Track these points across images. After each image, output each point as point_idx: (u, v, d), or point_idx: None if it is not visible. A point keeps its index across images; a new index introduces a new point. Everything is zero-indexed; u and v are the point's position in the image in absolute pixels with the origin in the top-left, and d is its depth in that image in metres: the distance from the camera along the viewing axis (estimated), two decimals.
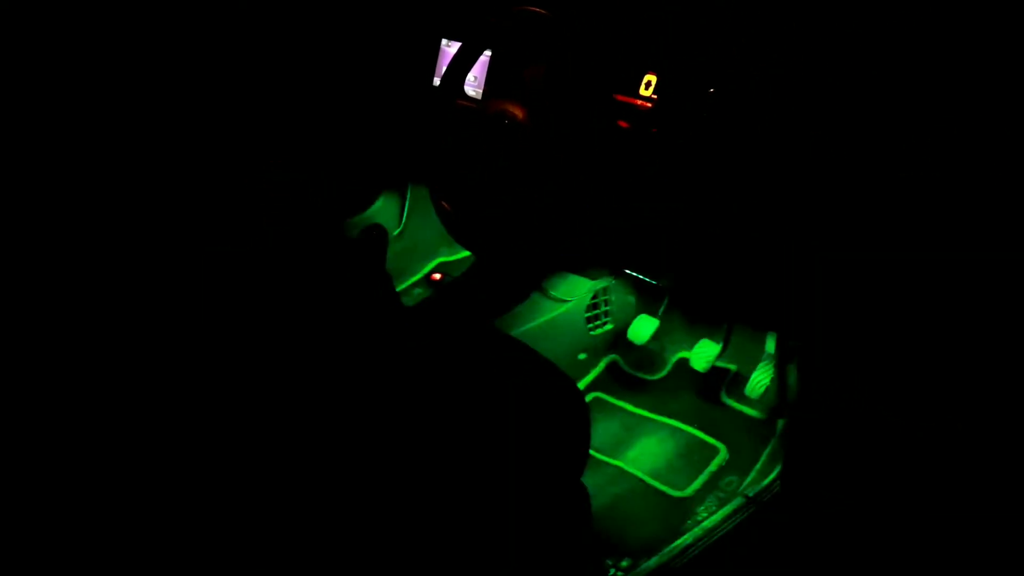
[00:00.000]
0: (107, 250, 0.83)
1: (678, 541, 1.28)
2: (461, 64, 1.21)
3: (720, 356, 1.63)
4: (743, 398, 1.56)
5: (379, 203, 1.86)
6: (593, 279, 1.72)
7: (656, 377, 1.70)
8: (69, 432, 0.74)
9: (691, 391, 1.64)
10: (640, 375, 1.72)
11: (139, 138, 0.91)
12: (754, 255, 1.10)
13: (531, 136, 1.13)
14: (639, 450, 1.53)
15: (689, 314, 1.72)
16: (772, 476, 1.36)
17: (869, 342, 1.01)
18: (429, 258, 1.93)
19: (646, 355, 1.73)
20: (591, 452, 1.47)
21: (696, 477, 1.45)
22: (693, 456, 1.50)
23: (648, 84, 1.15)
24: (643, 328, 1.67)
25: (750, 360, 1.58)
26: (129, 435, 0.75)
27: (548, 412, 0.98)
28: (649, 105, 1.14)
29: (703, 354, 1.62)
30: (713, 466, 1.46)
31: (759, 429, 1.51)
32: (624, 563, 1.25)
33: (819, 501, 1.11)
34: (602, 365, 1.75)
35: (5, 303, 0.77)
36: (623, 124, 1.12)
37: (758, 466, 1.42)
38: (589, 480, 1.03)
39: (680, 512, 1.37)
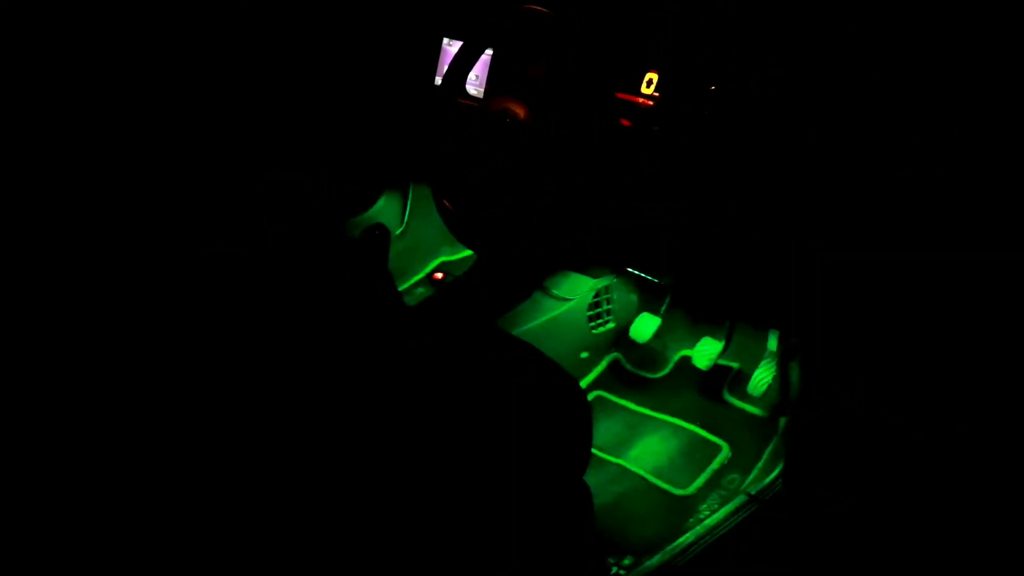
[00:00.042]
0: (107, 250, 0.83)
1: (680, 539, 1.28)
2: (463, 63, 1.21)
3: (722, 354, 1.63)
4: (745, 396, 1.56)
5: (381, 202, 1.86)
6: (595, 277, 1.72)
7: (658, 375, 1.70)
8: (69, 431, 0.75)
9: (693, 389, 1.64)
10: (642, 373, 1.72)
11: (139, 138, 0.91)
12: (756, 253, 1.10)
13: (533, 135, 1.13)
14: (641, 448, 1.53)
15: (691, 312, 1.72)
16: (774, 474, 1.36)
17: (871, 340, 1.01)
18: (431, 257, 1.93)
19: (648, 353, 1.73)
20: (593, 450, 1.47)
21: (698, 475, 1.45)
22: (695, 454, 1.50)
23: (649, 82, 1.15)
24: (645, 326, 1.67)
25: (752, 358, 1.58)
26: (130, 435, 0.76)
27: (550, 411, 0.98)
28: (651, 103, 1.14)
29: (705, 352, 1.62)
30: (715, 464, 1.46)
31: (761, 427, 1.51)
32: (626, 561, 1.25)
33: (821, 499, 1.11)
34: (604, 363, 1.75)
35: (5, 303, 0.77)
36: (625, 122, 1.12)
37: (760, 464, 1.42)
38: (591, 478, 1.03)
39: (682, 510, 1.37)
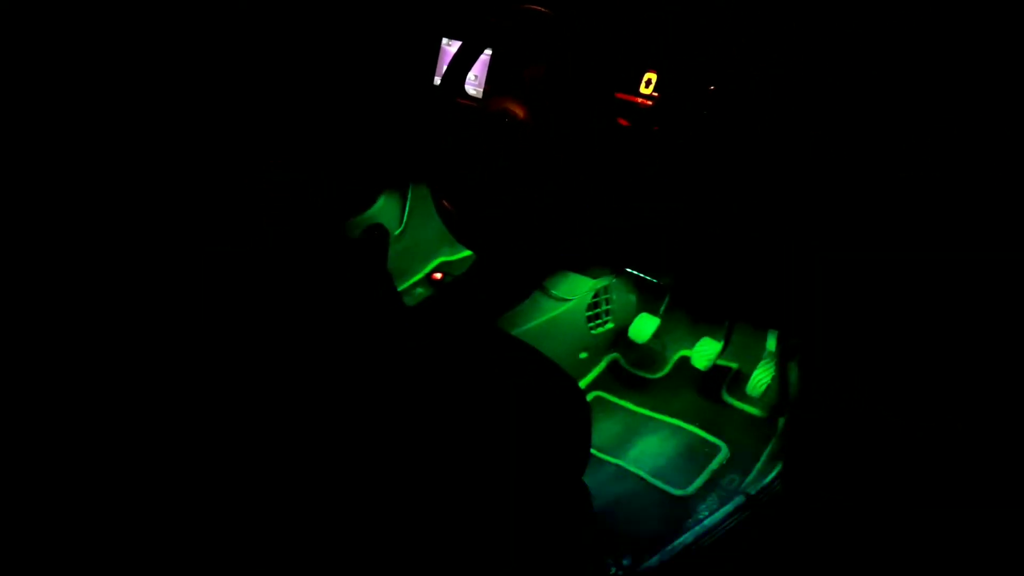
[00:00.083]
0: (108, 250, 0.83)
1: (679, 540, 1.28)
2: (462, 63, 1.21)
3: (721, 354, 1.63)
4: (744, 396, 1.56)
5: (380, 203, 1.86)
6: (594, 278, 1.72)
7: (657, 376, 1.70)
8: (69, 431, 0.75)
9: (692, 390, 1.64)
10: (641, 374, 1.72)
11: (139, 138, 0.91)
12: (755, 253, 1.10)
13: (532, 135, 1.13)
14: (640, 449, 1.53)
15: (690, 312, 1.72)
16: (773, 474, 1.36)
17: (870, 340, 1.01)
18: (430, 257, 1.93)
19: (647, 354, 1.73)
20: (592, 451, 1.47)
21: (697, 476, 1.45)
22: (694, 454, 1.50)
23: (649, 82, 1.15)
24: (644, 327, 1.67)
25: (751, 358, 1.58)
26: (130, 435, 0.75)
27: (549, 411, 0.98)
28: (650, 103, 1.14)
29: (704, 352, 1.62)
30: (714, 464, 1.46)
31: (760, 427, 1.51)
32: (625, 561, 1.25)
33: (820, 499, 1.11)
34: (603, 364, 1.75)
35: (5, 303, 0.77)
36: (624, 122, 1.12)
37: (759, 465, 1.42)
38: (590, 479, 1.03)
39: (681, 511, 1.37)
